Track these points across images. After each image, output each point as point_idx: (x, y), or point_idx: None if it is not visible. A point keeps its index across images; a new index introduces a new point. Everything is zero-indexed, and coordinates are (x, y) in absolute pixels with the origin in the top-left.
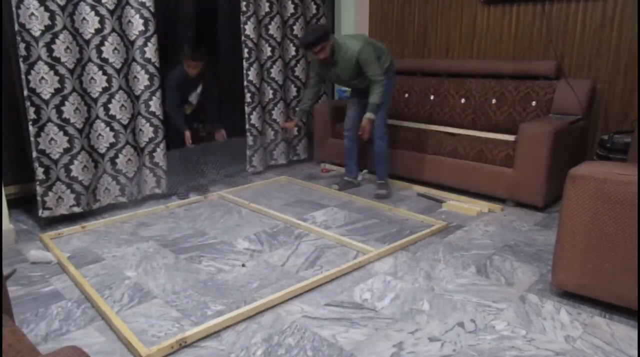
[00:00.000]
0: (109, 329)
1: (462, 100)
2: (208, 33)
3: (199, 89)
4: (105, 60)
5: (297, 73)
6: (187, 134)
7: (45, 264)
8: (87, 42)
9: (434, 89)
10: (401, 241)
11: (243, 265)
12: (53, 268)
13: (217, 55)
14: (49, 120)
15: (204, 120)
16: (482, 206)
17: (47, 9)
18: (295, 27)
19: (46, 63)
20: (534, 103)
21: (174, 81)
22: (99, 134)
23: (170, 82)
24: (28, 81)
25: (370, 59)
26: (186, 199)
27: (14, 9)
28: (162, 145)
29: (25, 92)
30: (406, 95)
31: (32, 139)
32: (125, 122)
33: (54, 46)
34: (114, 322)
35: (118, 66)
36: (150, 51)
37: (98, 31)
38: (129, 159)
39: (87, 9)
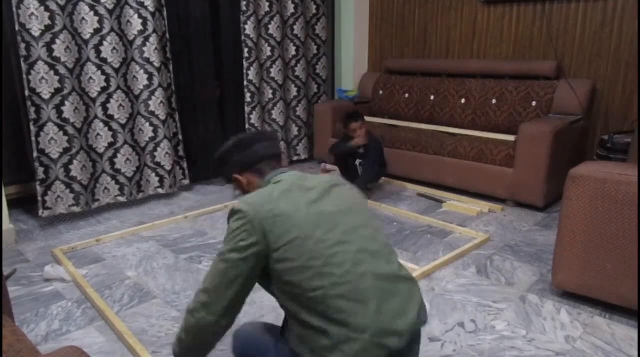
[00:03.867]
0: (109, 329)
1: (462, 100)
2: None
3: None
4: (104, 60)
5: (297, 73)
6: (331, 158)
7: (60, 281)
8: (86, 41)
9: (434, 89)
10: (447, 256)
11: None
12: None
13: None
14: (49, 119)
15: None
16: (482, 206)
17: (47, 8)
18: (295, 27)
19: (46, 63)
20: (534, 103)
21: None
22: (97, 134)
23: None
24: (28, 81)
25: None
26: None
27: (14, 8)
28: (162, 145)
29: (26, 92)
30: (406, 95)
31: (32, 138)
32: (123, 122)
33: (54, 46)
34: (114, 322)
35: (116, 66)
36: (149, 50)
37: (97, 31)
38: (127, 158)
39: (86, 8)
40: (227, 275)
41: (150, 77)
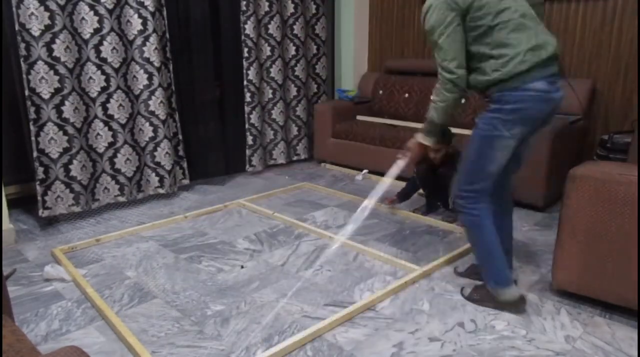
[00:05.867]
0: (109, 329)
1: (462, 100)
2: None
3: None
4: (104, 60)
5: (297, 72)
6: (392, 198)
7: (60, 281)
8: (86, 41)
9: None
10: (447, 256)
11: (242, 267)
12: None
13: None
14: (49, 119)
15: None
16: None
17: (47, 8)
18: (295, 27)
19: (46, 63)
20: None
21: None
22: (97, 134)
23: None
24: (28, 81)
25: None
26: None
27: (14, 8)
28: (162, 145)
29: (26, 92)
30: (406, 95)
31: (32, 138)
32: (123, 122)
33: (53, 46)
34: (114, 322)
35: (116, 66)
36: (149, 50)
37: (97, 31)
38: (128, 159)
39: (86, 8)
40: None
41: (150, 77)
